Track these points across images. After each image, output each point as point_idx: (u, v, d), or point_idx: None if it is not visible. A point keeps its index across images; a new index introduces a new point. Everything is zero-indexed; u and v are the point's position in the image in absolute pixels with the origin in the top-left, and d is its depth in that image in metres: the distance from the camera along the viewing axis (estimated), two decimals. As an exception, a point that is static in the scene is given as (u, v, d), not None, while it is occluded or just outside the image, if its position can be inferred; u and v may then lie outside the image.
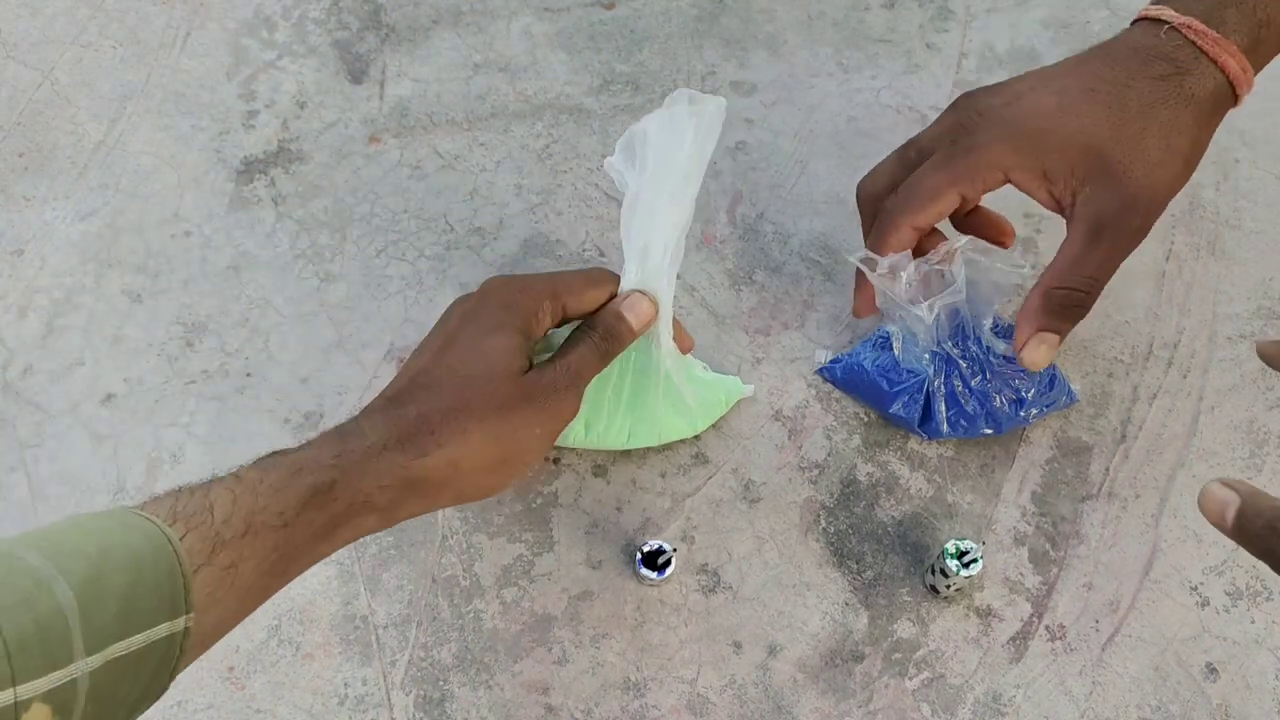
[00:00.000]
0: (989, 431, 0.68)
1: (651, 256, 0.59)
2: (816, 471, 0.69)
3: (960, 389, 0.67)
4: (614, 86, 0.84)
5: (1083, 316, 0.63)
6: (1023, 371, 0.66)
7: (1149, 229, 0.62)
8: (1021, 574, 0.66)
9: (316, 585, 0.65)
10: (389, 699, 0.63)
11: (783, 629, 0.65)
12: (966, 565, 0.62)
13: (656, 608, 0.65)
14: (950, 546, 0.62)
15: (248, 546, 0.45)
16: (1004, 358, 0.66)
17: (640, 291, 0.60)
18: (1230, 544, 0.66)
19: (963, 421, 0.67)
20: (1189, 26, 0.60)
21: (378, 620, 0.65)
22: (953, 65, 0.85)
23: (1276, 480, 0.69)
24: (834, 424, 0.71)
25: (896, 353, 0.68)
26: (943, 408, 0.67)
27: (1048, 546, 0.67)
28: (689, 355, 0.68)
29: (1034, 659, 0.64)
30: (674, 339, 0.63)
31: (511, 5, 0.88)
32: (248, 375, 0.72)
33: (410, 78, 0.85)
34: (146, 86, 0.84)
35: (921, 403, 0.67)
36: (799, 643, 0.64)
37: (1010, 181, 0.63)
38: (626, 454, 0.69)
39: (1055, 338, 0.62)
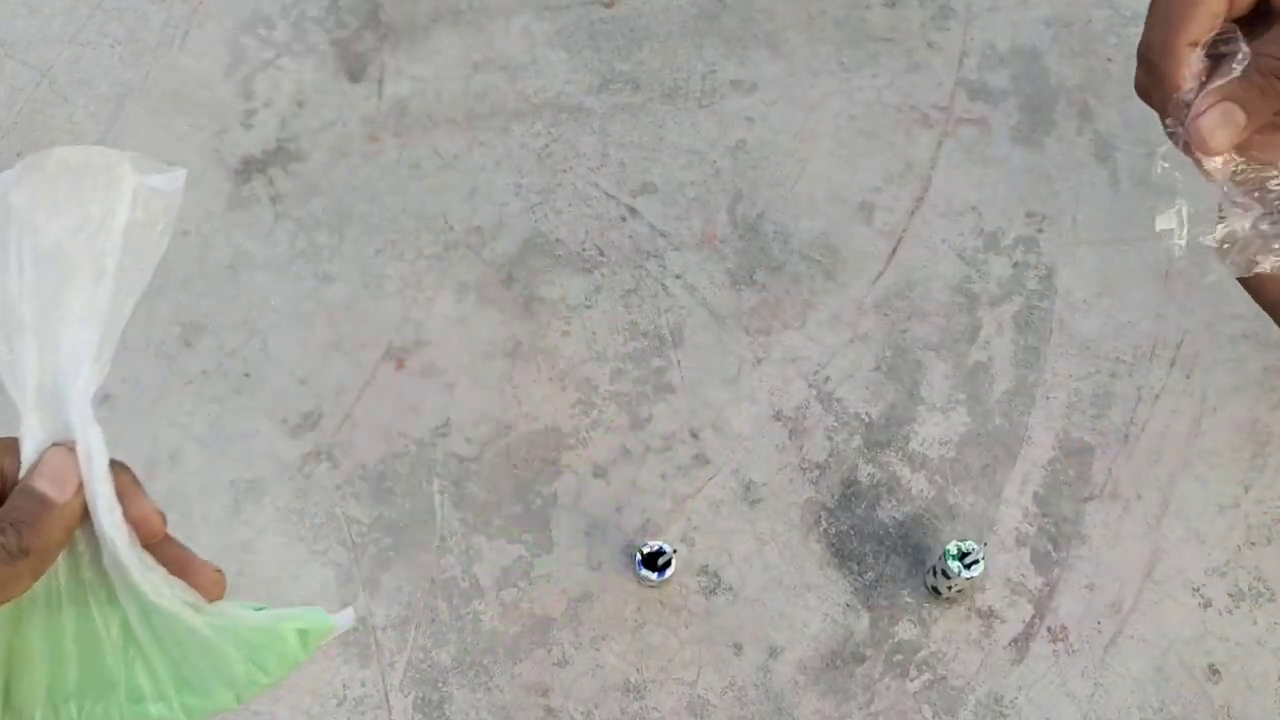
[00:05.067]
0: None
1: (65, 394, 0.37)
2: (817, 472, 0.69)
3: None
4: (614, 85, 0.84)
5: None
6: None
7: None
8: (1023, 575, 0.66)
9: (316, 586, 0.65)
10: (388, 700, 0.62)
11: (783, 630, 0.64)
12: (968, 566, 0.62)
13: (657, 609, 0.65)
14: (952, 547, 0.62)
15: None
16: None
17: (60, 445, 0.37)
18: (1233, 545, 0.67)
19: None
20: None
21: (376, 622, 0.64)
22: (954, 64, 0.84)
23: (1279, 481, 0.68)
24: (835, 424, 0.70)
25: None
26: None
27: (1049, 547, 0.67)
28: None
29: (1036, 660, 0.64)
30: (168, 561, 0.39)
31: (511, 4, 0.88)
32: (246, 375, 0.72)
33: (409, 77, 0.84)
34: (144, 85, 0.84)
35: None
36: (800, 644, 0.64)
37: None
38: (626, 455, 0.69)
39: (1242, 114, 0.47)
